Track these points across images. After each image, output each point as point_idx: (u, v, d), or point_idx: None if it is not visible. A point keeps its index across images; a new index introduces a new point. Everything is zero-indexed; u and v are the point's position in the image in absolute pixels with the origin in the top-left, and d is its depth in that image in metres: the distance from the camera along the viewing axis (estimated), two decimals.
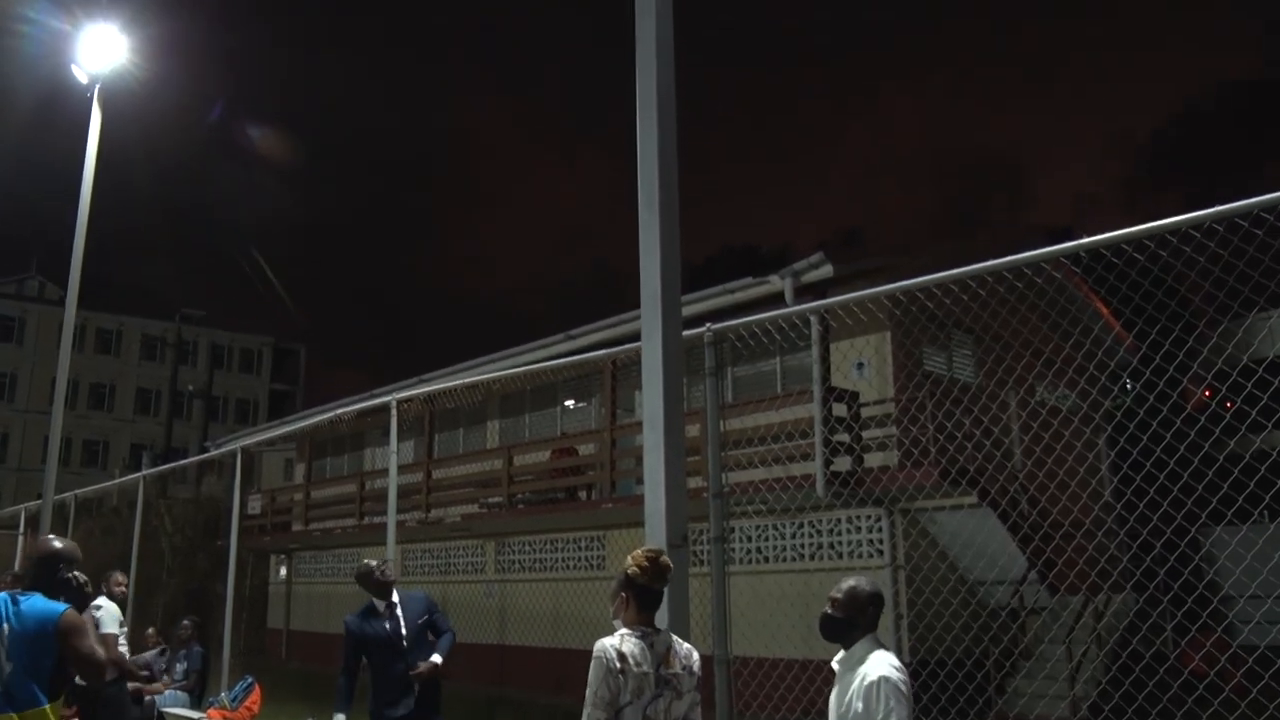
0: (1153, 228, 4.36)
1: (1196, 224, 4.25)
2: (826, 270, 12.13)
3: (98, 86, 13.55)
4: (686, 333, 4.77)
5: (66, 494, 15.99)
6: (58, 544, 4.08)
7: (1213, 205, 4.22)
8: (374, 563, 6.31)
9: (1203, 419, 5.94)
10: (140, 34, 13.53)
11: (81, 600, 4.03)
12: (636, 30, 4.59)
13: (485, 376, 8.38)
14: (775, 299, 12.37)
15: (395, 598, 6.22)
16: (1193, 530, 6.04)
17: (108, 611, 7.99)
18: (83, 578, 4.05)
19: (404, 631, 6.11)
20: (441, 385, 9.73)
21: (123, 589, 8.56)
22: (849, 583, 3.63)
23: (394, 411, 8.02)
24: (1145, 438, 5.81)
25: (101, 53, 13.35)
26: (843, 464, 10.82)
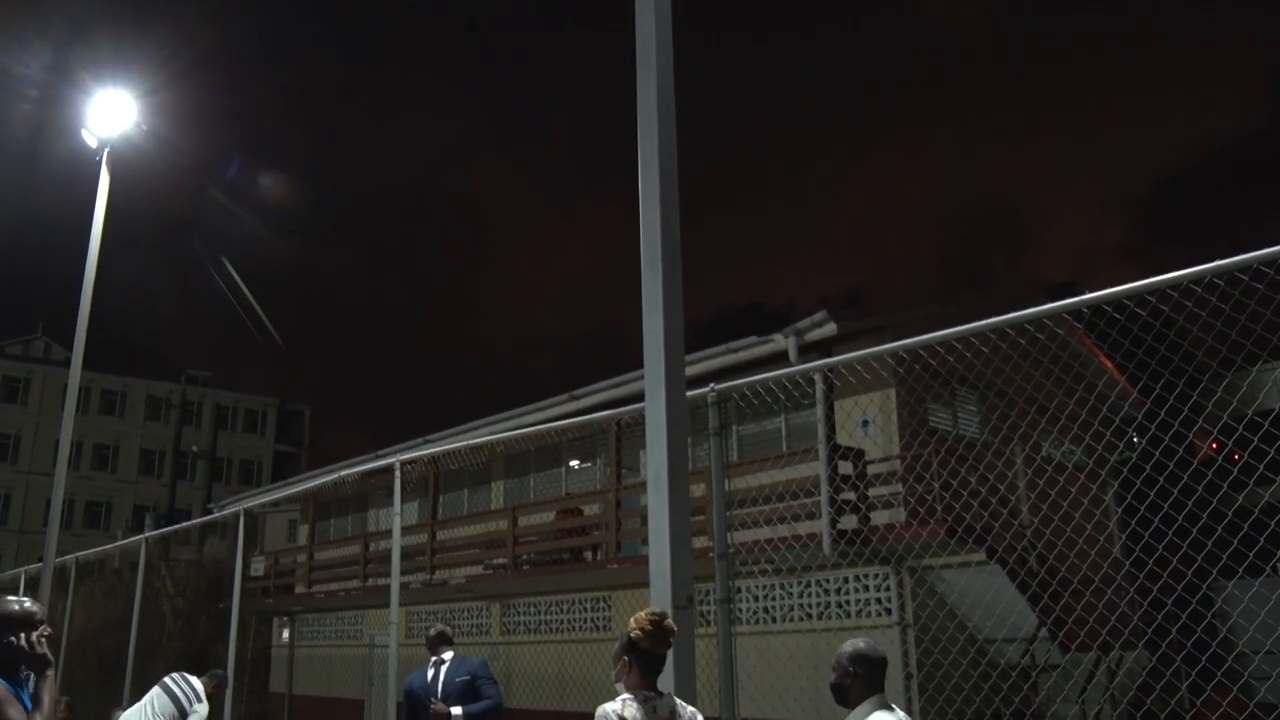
0: (1153, 283, 4.38)
1: (1197, 278, 4.27)
2: (830, 328, 12.16)
3: (106, 150, 13.74)
4: (690, 393, 4.77)
5: (68, 556, 15.90)
6: (10, 608, 3.70)
7: (1213, 259, 4.25)
8: (436, 627, 7.25)
9: (1209, 473, 5.91)
10: (150, 99, 13.80)
11: (38, 665, 3.67)
12: (638, 90, 4.65)
13: (489, 439, 8.36)
14: (779, 358, 12.38)
15: (446, 656, 6.97)
16: (1204, 586, 5.98)
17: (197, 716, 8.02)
18: (38, 643, 3.63)
19: (440, 686, 6.78)
20: (445, 447, 9.73)
21: (215, 687, 8.52)
22: (843, 646, 3.62)
23: (398, 473, 8.00)
24: (1153, 492, 5.78)
25: (111, 117, 13.58)
26: (849, 522, 10.75)
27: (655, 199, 4.49)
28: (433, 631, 7.22)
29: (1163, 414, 5.61)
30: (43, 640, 3.67)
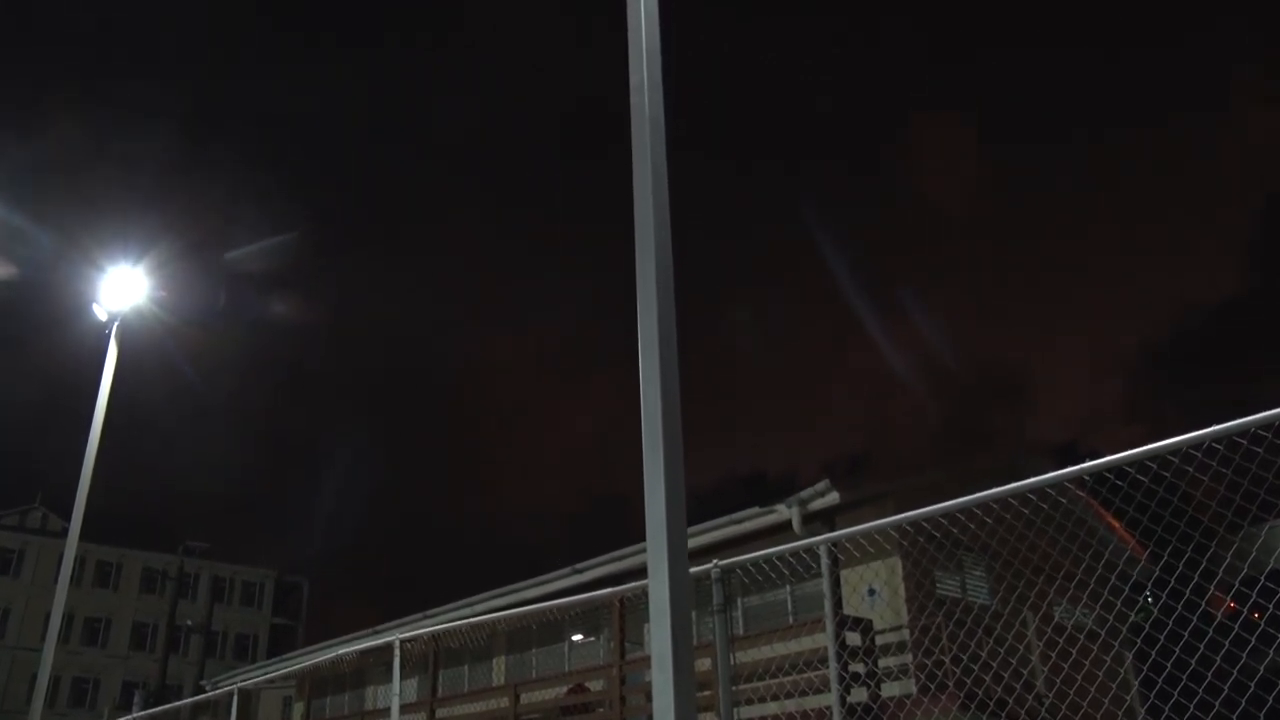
0: (1154, 449, 4.44)
1: (1197, 444, 4.33)
2: (833, 498, 12.14)
3: (115, 324, 13.95)
4: (694, 569, 4.76)
5: None
6: None
7: (1211, 423, 4.31)
8: None
9: (1236, 627, 5.81)
10: (160, 272, 14.11)
11: None
12: (638, 270, 4.80)
13: (490, 617, 8.25)
14: (783, 528, 12.33)
15: None
16: None
17: None
18: None
19: None
20: (446, 625, 9.57)
21: None
22: None
23: (397, 651, 7.86)
24: (1178, 649, 5.66)
25: (120, 292, 13.84)
26: (860, 695, 10.45)
27: (656, 378, 4.57)
28: None
29: (1173, 580, 5.56)
30: None
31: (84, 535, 14.30)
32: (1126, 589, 14.50)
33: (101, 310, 13.95)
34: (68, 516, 15.05)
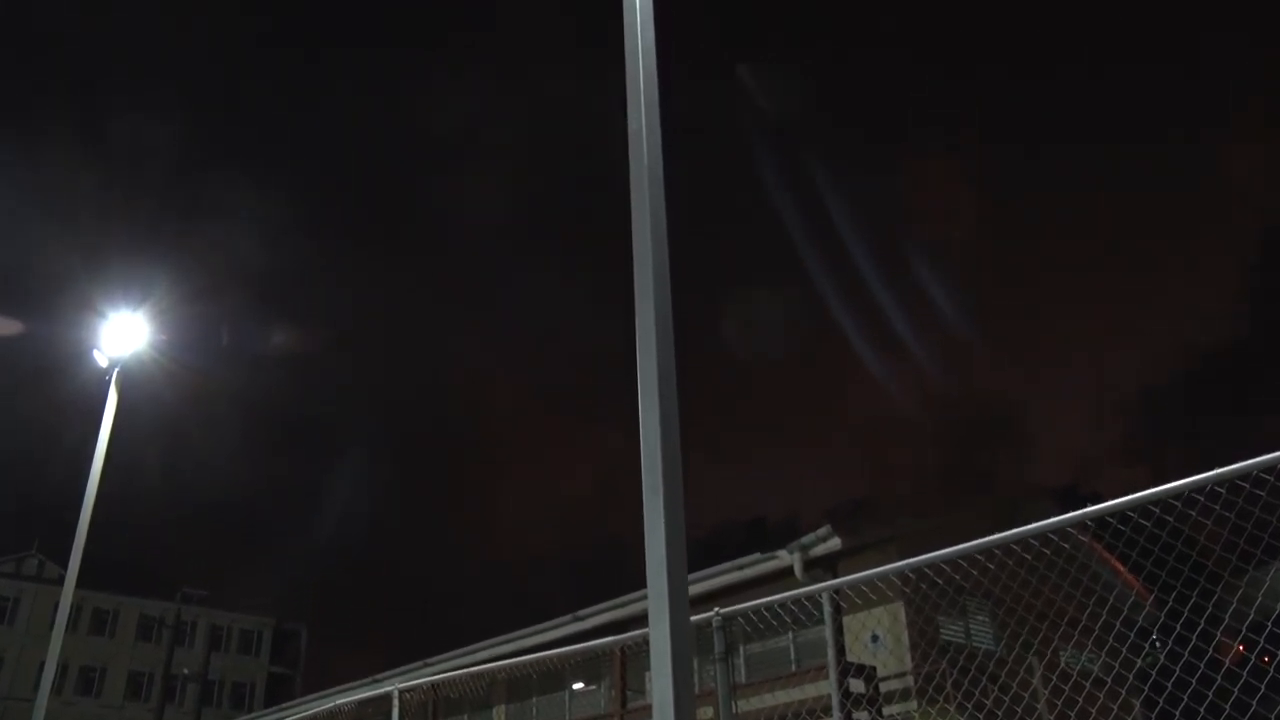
0: (1156, 493, 4.43)
1: (1198, 487, 4.32)
2: (834, 543, 12.10)
3: (116, 370, 13.92)
4: (696, 617, 4.72)
5: None
6: None
7: (1213, 466, 4.30)
8: None
9: (1245, 674, 5.74)
10: (161, 318, 14.11)
11: None
12: (637, 314, 4.81)
13: (490, 666, 8.18)
14: (784, 574, 12.28)
15: None
16: None
17: None
18: None
19: None
20: (445, 675, 9.48)
21: None
22: None
23: (396, 701, 7.79)
24: (1186, 696, 5.60)
25: (122, 339, 13.82)
26: None
27: (655, 423, 4.57)
28: None
29: (1179, 626, 5.52)
30: None
31: (81, 582, 14.16)
32: (1132, 635, 14.36)
33: (102, 356, 13.95)
34: (65, 563, 14.93)
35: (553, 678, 16.63)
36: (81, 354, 14.30)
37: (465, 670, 9.13)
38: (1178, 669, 6.02)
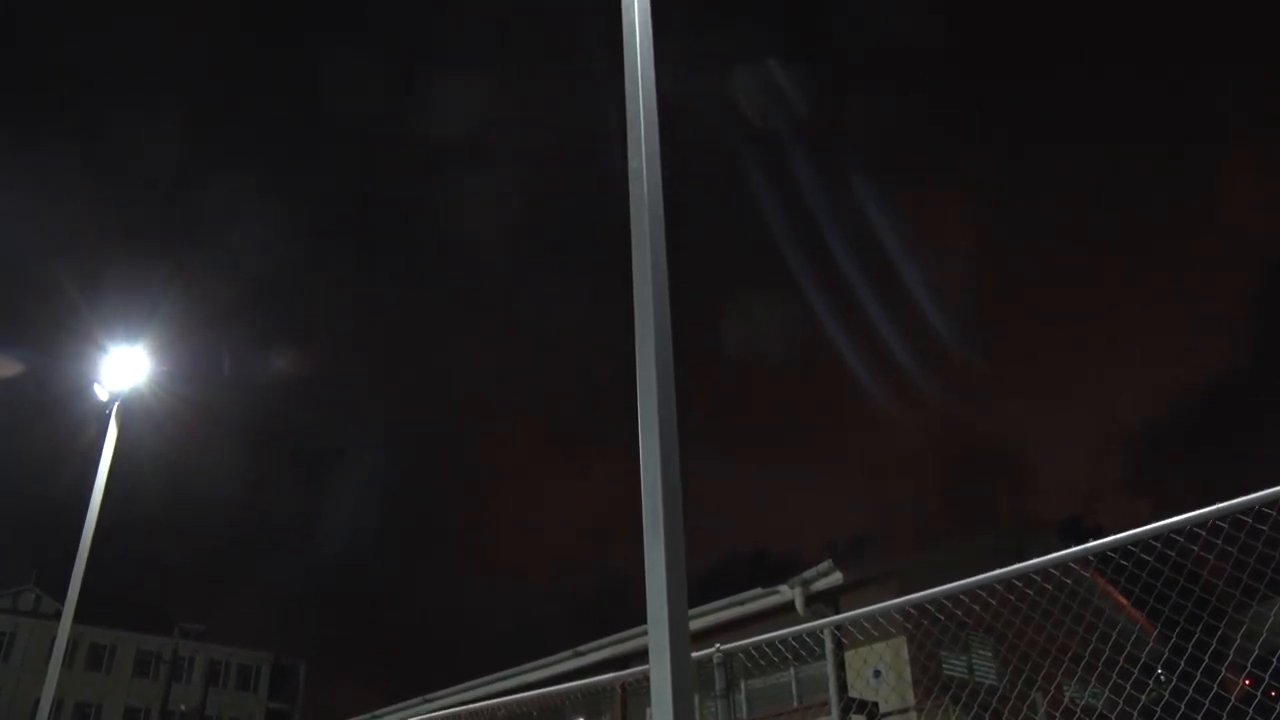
0: (1159, 527, 4.43)
1: (1201, 521, 4.32)
2: (836, 578, 12.06)
3: (117, 404, 13.90)
4: (696, 653, 4.70)
5: None
6: None
7: (1216, 500, 4.30)
8: None
9: (1250, 710, 5.70)
10: (163, 351, 14.12)
11: None
12: (637, 350, 4.81)
13: (491, 703, 8.12)
14: (786, 609, 12.23)
15: None
16: None
17: None
18: None
19: None
20: (445, 711, 9.42)
21: None
22: None
23: None
24: None
25: (122, 372, 13.82)
26: None
27: (656, 459, 4.57)
28: None
29: (1183, 662, 5.49)
30: None
31: (78, 617, 14.06)
32: (1135, 670, 14.26)
33: (102, 390, 13.95)
34: (62, 597, 14.83)
35: (554, 714, 16.50)
36: (81, 388, 14.31)
37: (465, 707, 9.06)
38: (1182, 705, 5.98)
